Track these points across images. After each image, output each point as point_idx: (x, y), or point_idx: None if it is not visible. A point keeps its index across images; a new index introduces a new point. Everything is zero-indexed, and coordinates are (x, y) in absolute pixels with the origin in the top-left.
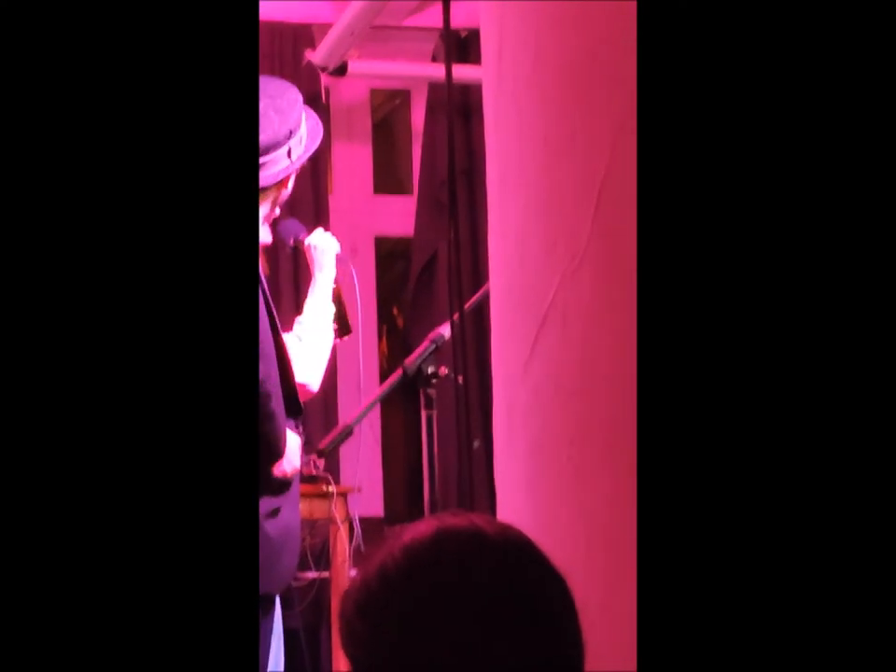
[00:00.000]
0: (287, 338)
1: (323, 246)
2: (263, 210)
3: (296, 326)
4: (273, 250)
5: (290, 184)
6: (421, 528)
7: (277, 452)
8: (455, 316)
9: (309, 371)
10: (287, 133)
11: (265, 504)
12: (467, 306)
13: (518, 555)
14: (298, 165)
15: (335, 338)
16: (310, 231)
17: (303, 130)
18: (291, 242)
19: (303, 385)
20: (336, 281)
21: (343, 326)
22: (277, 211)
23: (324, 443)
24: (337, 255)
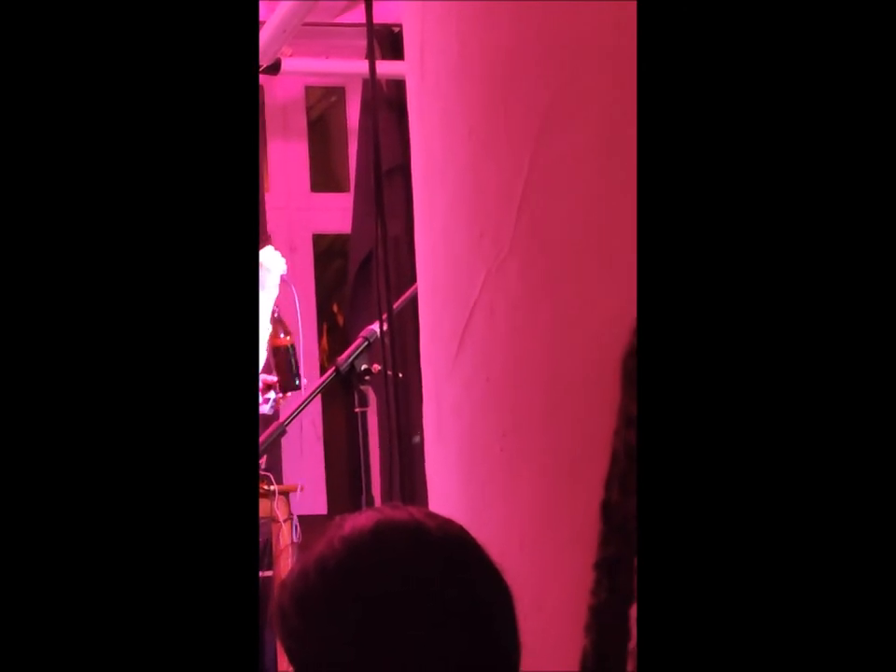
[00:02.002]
0: None
1: (269, 266)
2: None
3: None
4: None
5: None
6: (361, 521)
7: None
8: (385, 315)
9: None
10: None
11: None
12: (399, 302)
13: (458, 551)
14: None
15: (277, 392)
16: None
17: None
18: None
19: None
20: (289, 334)
21: (289, 380)
22: None
23: (260, 441)
24: (282, 276)
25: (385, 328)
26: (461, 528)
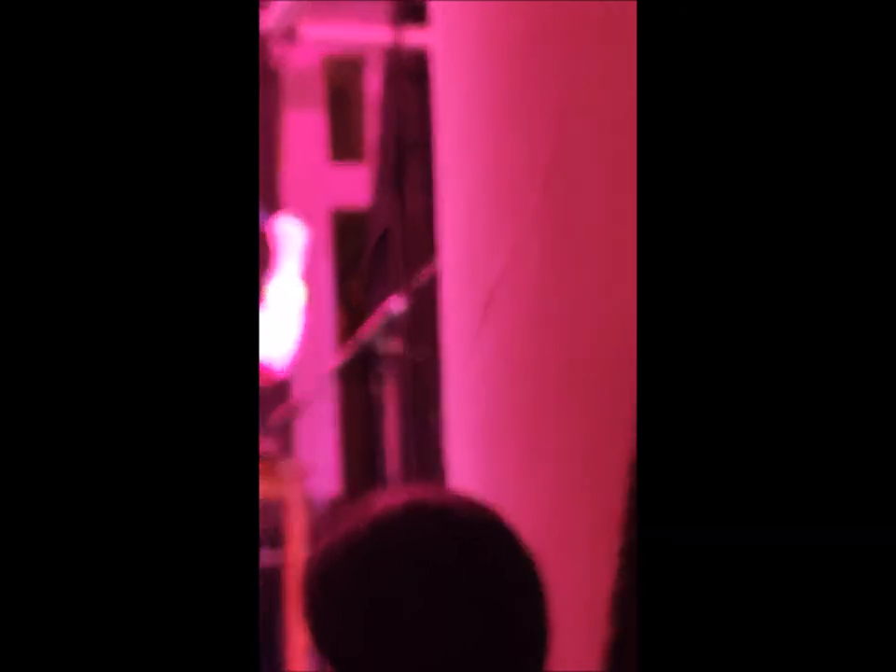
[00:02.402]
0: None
1: (291, 233)
2: None
3: (267, 294)
4: None
5: None
6: (390, 500)
7: None
8: (406, 291)
9: (276, 349)
10: None
11: None
12: (419, 280)
13: (487, 535)
14: None
15: None
16: (264, 207)
17: None
18: None
19: (269, 363)
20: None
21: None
22: None
23: (272, 420)
24: (304, 243)
25: (404, 306)
26: (491, 512)
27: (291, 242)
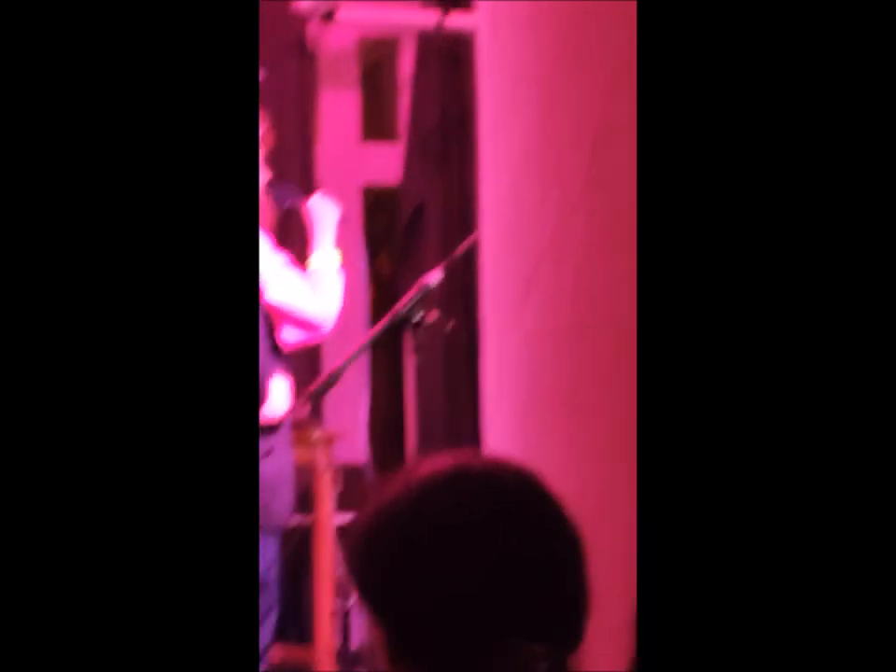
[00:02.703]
0: (296, 277)
1: (326, 208)
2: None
3: (309, 270)
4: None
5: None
6: (437, 465)
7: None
8: (448, 262)
9: (327, 309)
10: None
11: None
12: (458, 252)
13: (532, 502)
14: None
15: None
16: (299, 185)
17: None
18: (288, 204)
19: (319, 321)
20: None
21: None
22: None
23: (312, 388)
24: (339, 217)
25: (440, 278)
26: (537, 479)
27: (325, 218)
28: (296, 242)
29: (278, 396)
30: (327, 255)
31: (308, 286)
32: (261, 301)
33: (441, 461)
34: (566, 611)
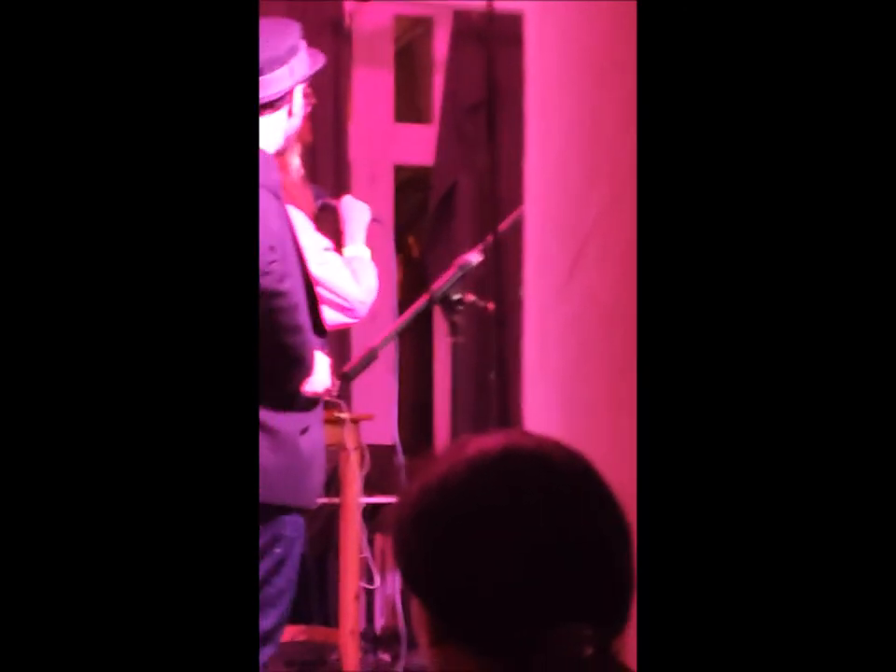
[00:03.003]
0: (339, 260)
1: (358, 207)
2: (270, 132)
3: (345, 254)
4: None
5: (298, 112)
6: (487, 443)
7: (306, 366)
8: (489, 241)
9: (369, 294)
10: (287, 50)
11: (297, 421)
12: (499, 230)
13: (582, 484)
14: (299, 82)
15: None
16: (332, 163)
17: (304, 54)
18: (320, 204)
19: (360, 304)
20: None
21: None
22: (282, 142)
23: (348, 367)
24: (372, 217)
25: (480, 258)
26: (588, 461)
27: (357, 216)
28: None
29: (321, 372)
30: (359, 248)
31: (348, 269)
32: (307, 276)
33: (491, 440)
34: (613, 594)
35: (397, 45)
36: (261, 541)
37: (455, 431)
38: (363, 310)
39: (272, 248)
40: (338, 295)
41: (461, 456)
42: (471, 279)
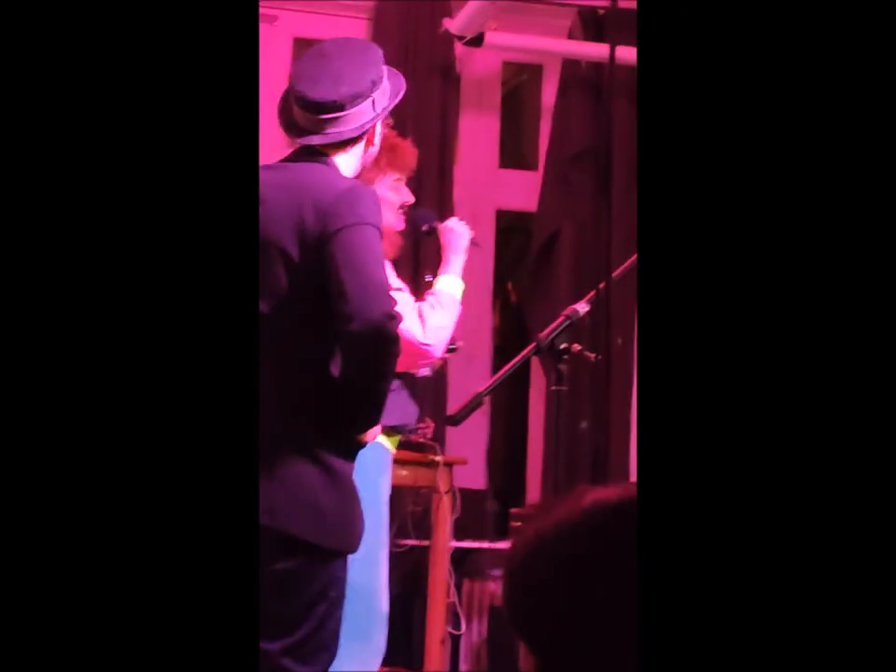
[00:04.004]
0: (422, 305)
1: (459, 230)
2: (350, 163)
3: (428, 296)
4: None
5: (377, 140)
6: (604, 494)
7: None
8: (600, 288)
9: (437, 335)
10: (370, 83)
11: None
12: (612, 280)
13: None
14: (382, 116)
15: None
16: (435, 206)
17: (386, 83)
18: (425, 228)
19: (428, 348)
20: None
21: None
22: (359, 167)
23: (455, 410)
24: (471, 238)
25: (590, 308)
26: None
27: (457, 244)
28: (430, 263)
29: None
30: (451, 282)
31: (422, 310)
32: None
33: (607, 492)
34: None
35: (504, 90)
36: (319, 585)
37: (550, 479)
38: (433, 352)
39: None
40: (404, 338)
41: (577, 506)
42: (574, 328)
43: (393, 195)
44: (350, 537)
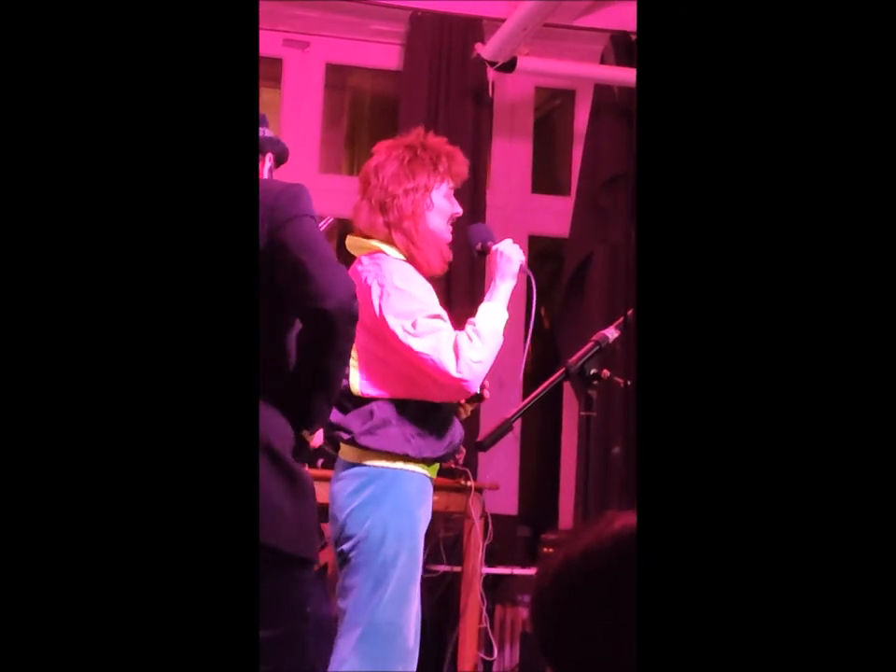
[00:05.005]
0: (459, 335)
1: (510, 255)
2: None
3: (468, 326)
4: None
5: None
6: (632, 520)
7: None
8: (628, 315)
9: (472, 370)
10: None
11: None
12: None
13: None
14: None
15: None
16: (496, 237)
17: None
18: (479, 246)
19: (464, 382)
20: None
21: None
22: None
23: (483, 436)
24: (521, 264)
25: (619, 334)
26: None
27: (507, 269)
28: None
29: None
30: (495, 311)
31: (459, 341)
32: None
33: (636, 517)
34: None
35: (537, 115)
36: (297, 596)
37: (580, 504)
38: (467, 387)
39: None
40: (431, 373)
41: (606, 531)
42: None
43: (446, 204)
44: (310, 545)
